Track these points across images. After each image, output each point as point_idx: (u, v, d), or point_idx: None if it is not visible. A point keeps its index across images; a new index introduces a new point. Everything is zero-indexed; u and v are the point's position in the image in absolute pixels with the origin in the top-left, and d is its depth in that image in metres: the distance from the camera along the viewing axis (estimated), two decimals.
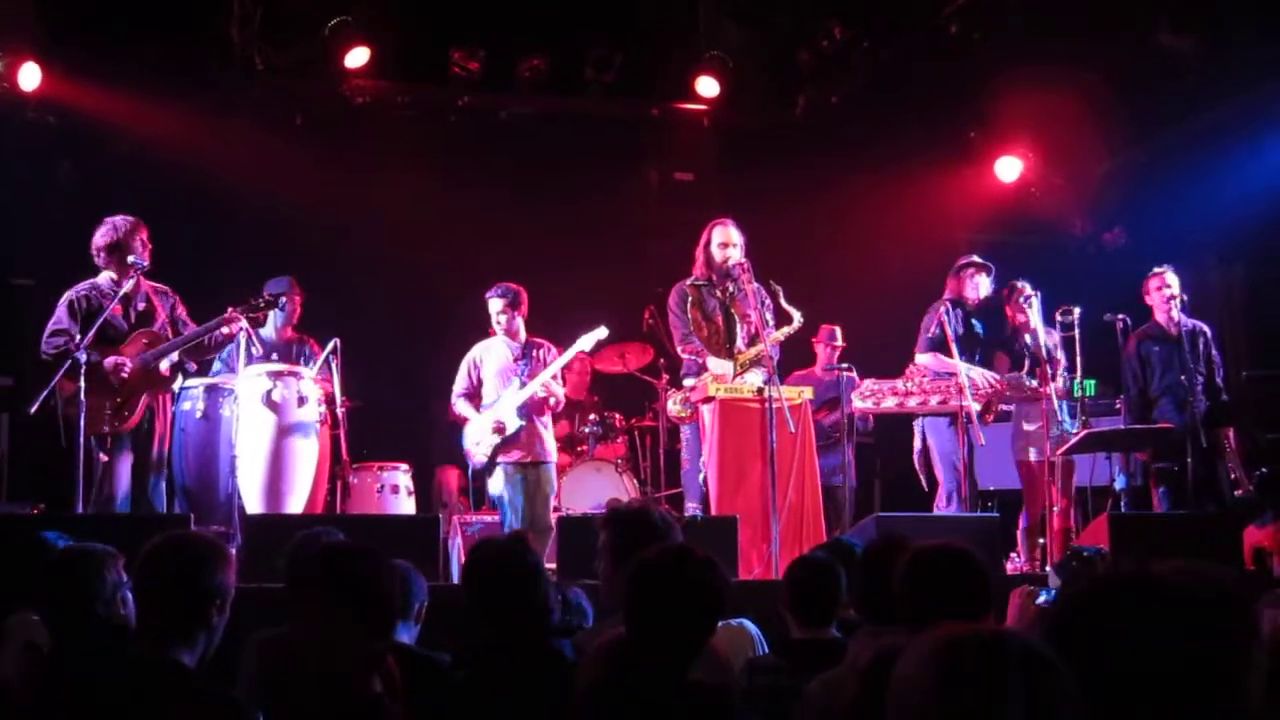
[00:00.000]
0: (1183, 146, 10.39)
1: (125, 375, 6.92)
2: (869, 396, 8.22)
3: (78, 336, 6.88)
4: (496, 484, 8.00)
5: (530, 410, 8.01)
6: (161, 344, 7.16)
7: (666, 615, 3.18)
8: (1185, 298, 8.62)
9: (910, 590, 3.47)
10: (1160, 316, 8.59)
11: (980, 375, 8.21)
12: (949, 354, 8.15)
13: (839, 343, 9.65)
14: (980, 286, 8.51)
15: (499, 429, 7.94)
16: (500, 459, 7.96)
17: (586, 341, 8.26)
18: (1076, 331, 8.37)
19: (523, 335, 8.20)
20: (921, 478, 8.52)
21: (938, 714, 1.75)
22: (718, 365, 7.78)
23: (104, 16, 9.18)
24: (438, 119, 10.81)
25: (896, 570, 3.54)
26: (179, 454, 7.49)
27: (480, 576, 3.82)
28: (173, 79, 9.54)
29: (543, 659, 3.61)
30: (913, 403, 8.22)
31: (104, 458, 6.86)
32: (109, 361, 6.90)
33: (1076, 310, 8.42)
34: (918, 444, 8.49)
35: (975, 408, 7.99)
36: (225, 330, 7.25)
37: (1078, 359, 8.38)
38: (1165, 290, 8.54)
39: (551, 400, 8.09)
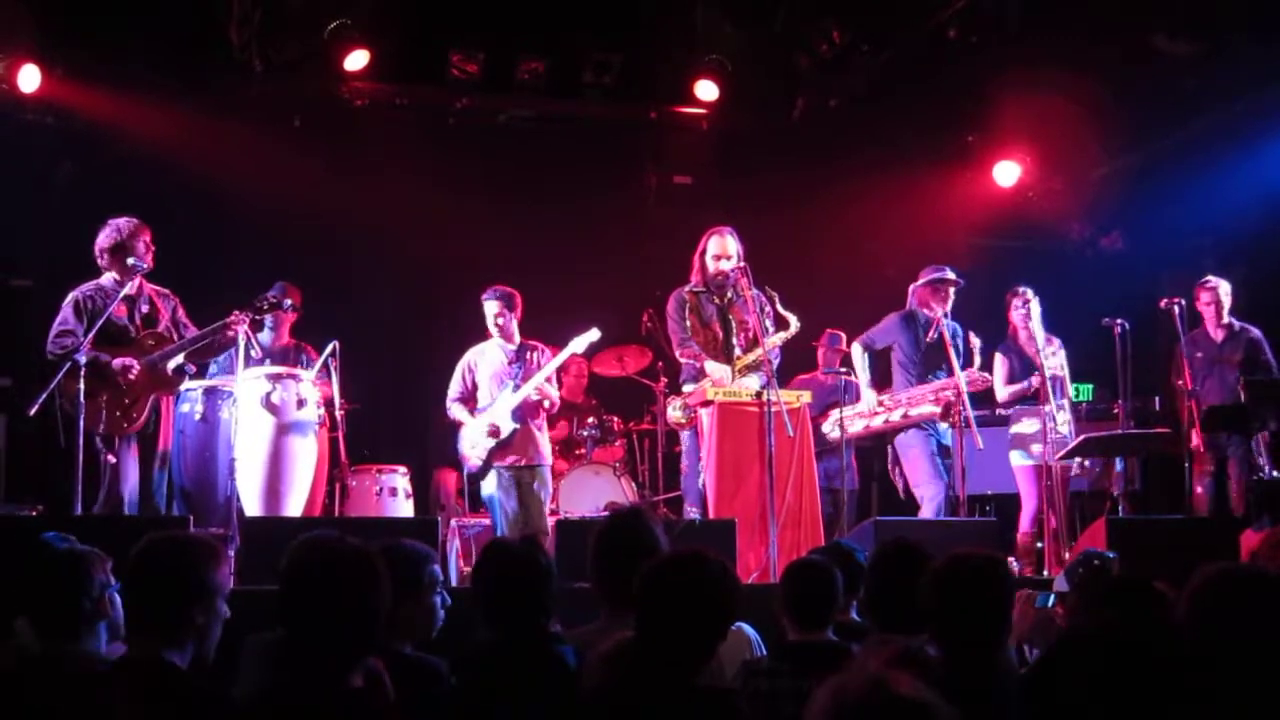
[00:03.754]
0: (1180, 151, 10.40)
1: (132, 377, 6.93)
2: (862, 417, 8.29)
3: (81, 335, 6.90)
4: (489, 486, 8.04)
5: (525, 413, 8.04)
6: (168, 345, 7.18)
7: (678, 619, 3.17)
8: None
9: (942, 600, 3.45)
10: (1208, 324, 8.74)
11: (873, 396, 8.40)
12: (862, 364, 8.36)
13: (842, 347, 9.64)
14: (949, 302, 8.49)
15: (494, 433, 7.96)
16: (495, 463, 8.00)
17: (579, 344, 8.27)
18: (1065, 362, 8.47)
19: (517, 338, 8.22)
20: (898, 485, 8.56)
21: None
22: (715, 369, 7.79)
23: (103, 17, 9.19)
24: (436, 122, 10.80)
25: (920, 578, 3.53)
26: (178, 456, 7.48)
27: (490, 577, 3.82)
28: (172, 80, 9.56)
29: (545, 663, 3.61)
30: (896, 416, 8.25)
31: (111, 459, 6.86)
32: (117, 363, 6.91)
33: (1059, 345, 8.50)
34: (891, 454, 8.54)
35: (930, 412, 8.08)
36: (230, 331, 7.26)
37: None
38: (1212, 306, 8.83)
39: (546, 403, 8.12)
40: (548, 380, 8.14)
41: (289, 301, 7.89)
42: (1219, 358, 8.80)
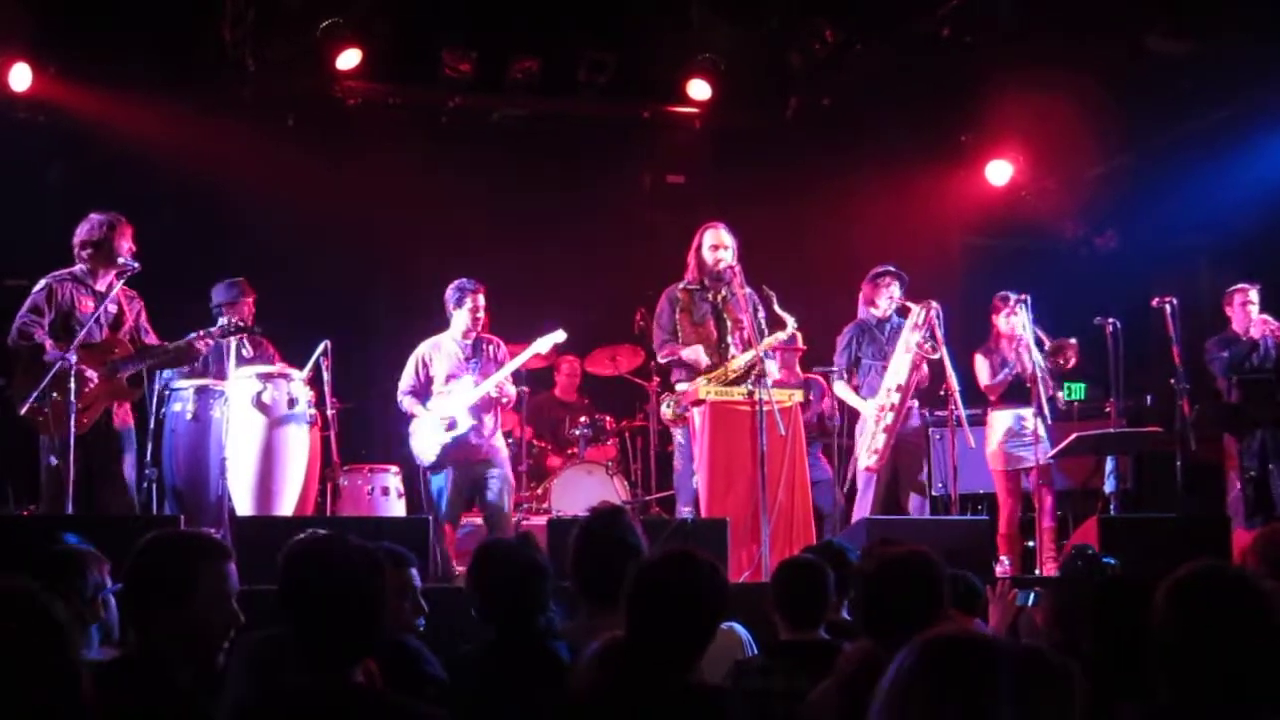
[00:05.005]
0: (1174, 150, 10.41)
1: (90, 387, 6.88)
2: (876, 434, 8.15)
3: (46, 326, 6.94)
4: (439, 480, 8.01)
5: (480, 409, 8.01)
6: (128, 356, 7.18)
7: (668, 619, 3.16)
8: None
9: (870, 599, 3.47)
10: (1237, 326, 8.75)
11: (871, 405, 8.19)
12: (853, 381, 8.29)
13: (800, 345, 9.41)
14: (894, 296, 8.40)
15: (450, 427, 7.93)
16: (449, 458, 7.97)
17: (544, 344, 8.26)
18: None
19: (474, 332, 8.19)
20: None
21: (929, 716, 1.75)
22: (691, 353, 7.77)
23: (96, 16, 9.17)
24: (429, 120, 10.79)
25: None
26: (169, 455, 7.47)
27: (486, 576, 3.82)
28: (165, 79, 9.54)
29: (541, 660, 3.61)
30: (896, 399, 8.14)
31: (54, 460, 6.83)
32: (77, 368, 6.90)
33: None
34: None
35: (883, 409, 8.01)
36: (192, 350, 7.29)
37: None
38: (1247, 307, 8.79)
39: (504, 399, 8.10)
40: (507, 377, 8.10)
41: (258, 329, 7.81)
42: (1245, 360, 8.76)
